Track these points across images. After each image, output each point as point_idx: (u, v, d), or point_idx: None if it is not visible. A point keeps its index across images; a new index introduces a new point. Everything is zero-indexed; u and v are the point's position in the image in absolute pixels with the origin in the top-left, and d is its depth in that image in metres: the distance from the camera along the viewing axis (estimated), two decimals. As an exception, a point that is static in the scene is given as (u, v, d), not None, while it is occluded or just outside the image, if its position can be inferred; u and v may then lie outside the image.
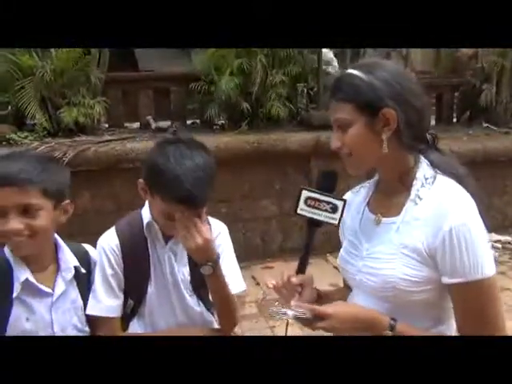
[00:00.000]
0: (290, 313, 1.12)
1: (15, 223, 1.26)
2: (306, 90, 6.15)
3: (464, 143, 5.51)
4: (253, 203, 5.23)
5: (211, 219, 1.61)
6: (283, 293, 1.23)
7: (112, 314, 1.47)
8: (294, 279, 1.22)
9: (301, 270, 1.25)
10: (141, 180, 1.45)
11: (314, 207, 1.18)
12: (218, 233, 1.59)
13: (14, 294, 1.32)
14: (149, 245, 1.52)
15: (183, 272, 1.54)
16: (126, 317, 1.53)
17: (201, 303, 1.57)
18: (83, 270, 1.46)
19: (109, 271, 1.48)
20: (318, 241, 4.64)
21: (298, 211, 1.19)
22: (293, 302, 1.15)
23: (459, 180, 1.17)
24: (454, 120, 6.72)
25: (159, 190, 1.38)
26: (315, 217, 1.19)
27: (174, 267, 1.53)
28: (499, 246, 5.23)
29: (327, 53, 6.37)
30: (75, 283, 1.44)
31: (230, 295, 1.50)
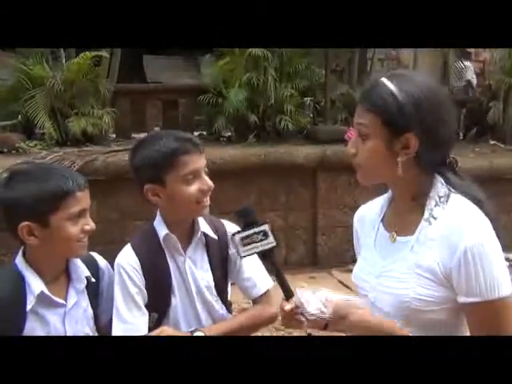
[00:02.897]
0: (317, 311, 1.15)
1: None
2: (312, 104, 6.19)
3: (471, 160, 5.50)
4: (258, 216, 5.22)
5: (224, 221, 1.62)
6: (290, 323, 1.23)
7: (141, 333, 1.45)
8: (287, 306, 1.22)
9: (287, 295, 1.25)
10: (147, 186, 1.45)
11: (250, 243, 1.24)
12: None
13: (29, 307, 1.32)
14: (167, 257, 1.51)
15: (207, 279, 1.54)
16: (149, 330, 1.50)
17: (224, 307, 1.58)
18: (93, 280, 1.45)
19: (134, 290, 1.46)
20: (322, 255, 4.65)
21: (242, 255, 1.25)
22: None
23: (476, 203, 1.14)
24: (461, 137, 6.71)
25: (165, 167, 1.41)
26: (257, 250, 1.25)
27: (195, 275, 1.53)
28: (506, 263, 5.19)
29: (465, 60, 6.33)
30: (85, 292, 1.44)
31: (242, 328, 1.52)
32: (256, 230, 1.24)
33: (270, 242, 1.24)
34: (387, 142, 1.12)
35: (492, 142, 6.41)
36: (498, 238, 1.12)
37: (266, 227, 1.24)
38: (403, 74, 1.20)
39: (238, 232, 1.25)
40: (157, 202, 1.47)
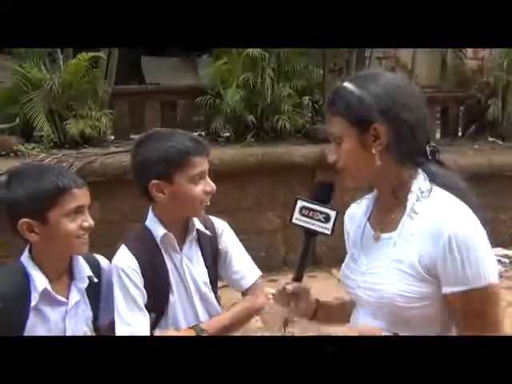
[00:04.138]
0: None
1: None
2: (310, 104, 6.19)
3: (469, 157, 5.50)
4: (257, 216, 5.22)
5: (212, 218, 1.65)
6: (280, 301, 1.26)
7: (144, 333, 1.46)
8: (289, 286, 1.24)
9: (297, 278, 1.27)
10: (153, 181, 1.45)
11: (308, 216, 1.22)
12: (222, 230, 1.63)
13: (32, 304, 1.34)
14: (164, 257, 1.53)
15: (203, 275, 1.58)
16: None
17: (216, 301, 1.62)
18: (95, 280, 1.46)
19: (135, 292, 1.47)
20: (321, 254, 4.65)
21: (293, 220, 1.23)
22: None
23: (459, 195, 1.15)
24: (460, 134, 6.71)
25: (177, 165, 1.43)
26: (309, 226, 1.22)
27: (192, 272, 1.56)
28: (506, 260, 5.19)
29: None
30: (86, 292, 1.45)
31: (238, 320, 1.58)
32: (323, 209, 1.22)
33: (327, 228, 1.21)
34: (359, 138, 1.16)
35: (491, 139, 6.41)
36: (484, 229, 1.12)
37: (332, 213, 1.22)
38: (362, 74, 1.24)
39: (304, 200, 1.23)
40: (160, 200, 1.48)
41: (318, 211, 1.21)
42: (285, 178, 5.23)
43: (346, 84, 1.18)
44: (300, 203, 1.22)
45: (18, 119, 5.10)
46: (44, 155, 4.70)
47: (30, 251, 1.41)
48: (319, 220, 1.21)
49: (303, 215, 1.22)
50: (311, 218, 1.21)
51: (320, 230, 1.21)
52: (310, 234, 1.24)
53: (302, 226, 1.23)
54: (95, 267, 1.49)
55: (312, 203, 1.22)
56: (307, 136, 5.69)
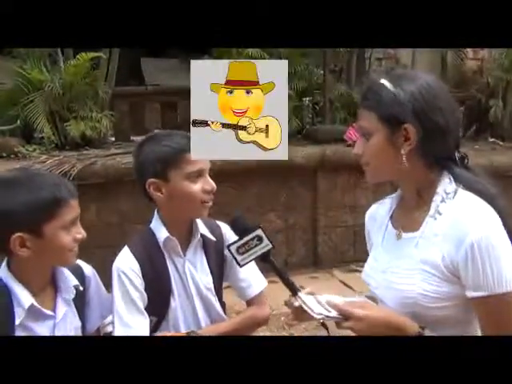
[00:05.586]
0: (321, 315, 1.13)
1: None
2: (311, 105, 6.19)
3: (470, 158, 5.50)
4: (258, 217, 5.21)
5: (219, 223, 1.63)
6: (300, 317, 1.23)
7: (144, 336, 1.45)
8: (295, 303, 1.22)
9: (293, 291, 1.26)
10: (150, 180, 1.45)
11: (247, 251, 1.27)
12: (229, 236, 1.60)
13: (18, 321, 1.27)
14: (167, 260, 1.52)
15: (207, 281, 1.56)
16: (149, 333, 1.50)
17: (221, 307, 1.60)
18: (81, 288, 1.41)
19: (135, 295, 1.45)
20: (322, 255, 4.64)
21: (241, 263, 1.27)
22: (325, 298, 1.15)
23: (488, 200, 1.14)
24: (460, 135, 6.71)
25: (172, 162, 1.43)
26: (255, 256, 1.27)
27: (195, 277, 1.54)
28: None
29: None
30: (72, 302, 1.40)
31: (238, 330, 1.55)
32: (250, 236, 1.27)
33: (266, 244, 1.26)
34: (388, 136, 1.15)
35: (491, 140, 6.41)
36: (510, 234, 1.11)
37: (259, 232, 1.27)
38: (398, 72, 1.22)
39: (234, 242, 1.27)
40: (158, 199, 1.48)
41: (248, 241, 1.26)
42: (285, 178, 5.23)
43: (381, 80, 1.17)
44: (233, 248, 1.27)
45: (18, 121, 5.11)
46: (45, 157, 4.70)
47: (7, 265, 1.32)
48: (256, 245, 1.26)
49: (243, 253, 1.26)
50: (249, 249, 1.26)
51: (263, 250, 1.26)
52: (263, 259, 1.28)
53: (251, 260, 1.27)
54: (79, 275, 1.43)
55: (240, 240, 1.27)
56: (308, 137, 5.70)
